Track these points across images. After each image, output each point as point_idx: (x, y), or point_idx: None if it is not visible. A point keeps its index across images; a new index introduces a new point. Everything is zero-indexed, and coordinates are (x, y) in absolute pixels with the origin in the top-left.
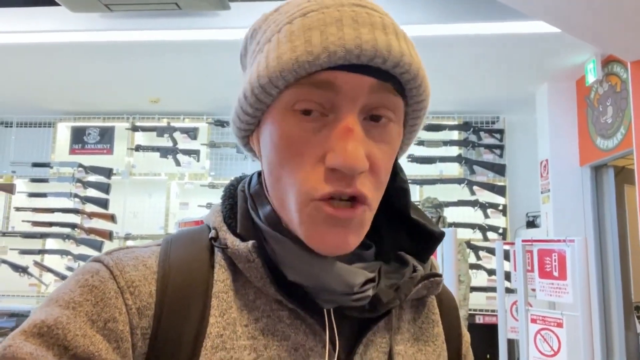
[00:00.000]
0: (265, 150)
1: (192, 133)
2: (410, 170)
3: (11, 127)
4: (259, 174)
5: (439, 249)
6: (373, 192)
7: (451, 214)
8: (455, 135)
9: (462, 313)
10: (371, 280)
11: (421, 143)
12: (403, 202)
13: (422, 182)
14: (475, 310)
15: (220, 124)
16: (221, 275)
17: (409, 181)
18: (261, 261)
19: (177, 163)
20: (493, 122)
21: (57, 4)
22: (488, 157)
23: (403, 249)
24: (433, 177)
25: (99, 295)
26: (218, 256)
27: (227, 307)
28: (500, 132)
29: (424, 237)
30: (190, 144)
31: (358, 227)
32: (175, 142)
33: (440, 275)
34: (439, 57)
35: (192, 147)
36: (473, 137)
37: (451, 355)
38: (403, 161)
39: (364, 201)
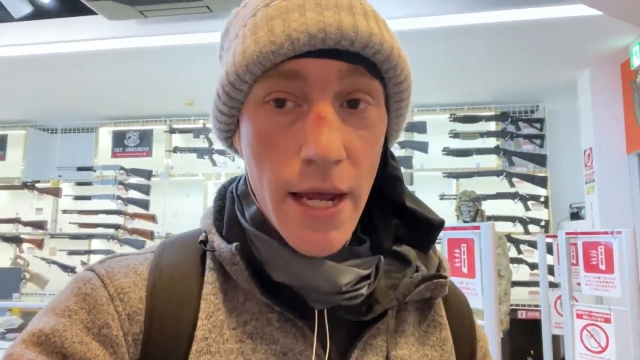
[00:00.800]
0: (244, 148)
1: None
2: (445, 163)
3: (56, 133)
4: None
5: (476, 243)
6: (354, 182)
7: (490, 207)
8: (492, 126)
9: (504, 308)
10: (366, 277)
11: (456, 135)
12: (397, 191)
13: (459, 175)
14: (517, 305)
15: None
16: (210, 278)
17: (444, 174)
18: (245, 264)
19: (214, 163)
20: (532, 111)
21: (94, 13)
22: (528, 147)
23: (401, 241)
24: (470, 170)
25: (92, 302)
26: (208, 259)
27: (214, 309)
28: (540, 121)
29: (422, 227)
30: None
31: (342, 224)
32: (210, 142)
33: (445, 277)
34: (472, 47)
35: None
36: (511, 128)
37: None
38: (438, 154)
39: (345, 197)
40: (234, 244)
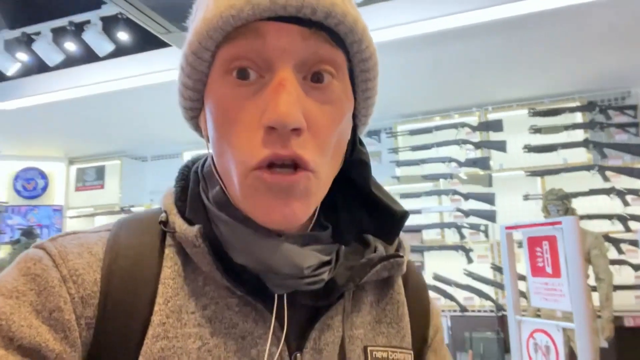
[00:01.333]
0: (208, 125)
1: None
2: (527, 161)
3: (146, 161)
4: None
5: (560, 245)
6: (316, 157)
7: (582, 205)
8: (578, 117)
9: (606, 315)
10: (327, 263)
11: (538, 131)
12: (363, 176)
13: (544, 172)
14: (622, 311)
15: None
16: (169, 261)
17: (527, 173)
18: (207, 246)
19: None
20: (623, 98)
21: (168, 45)
22: (621, 137)
23: (363, 230)
24: (556, 167)
25: (42, 284)
26: (169, 240)
27: (173, 293)
28: (633, 107)
29: (386, 218)
30: None
31: (304, 195)
32: None
33: (401, 256)
34: (546, 33)
35: None
36: (600, 118)
37: (417, 336)
38: (518, 152)
39: (305, 166)
40: (197, 226)
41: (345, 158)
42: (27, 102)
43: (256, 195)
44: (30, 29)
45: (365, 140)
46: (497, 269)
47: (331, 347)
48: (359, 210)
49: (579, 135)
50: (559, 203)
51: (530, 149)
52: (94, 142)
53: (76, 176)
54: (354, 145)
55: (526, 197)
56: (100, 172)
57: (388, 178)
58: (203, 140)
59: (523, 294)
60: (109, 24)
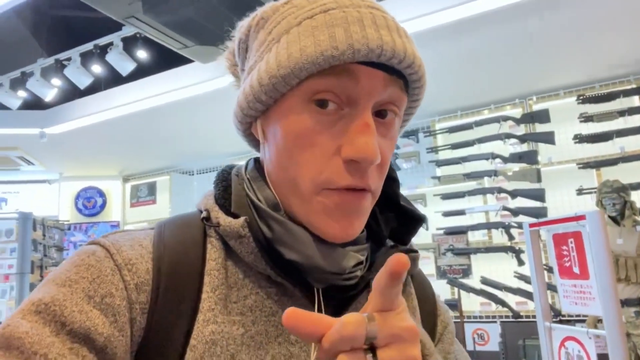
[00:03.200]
0: (274, 138)
1: None
2: (579, 152)
3: (192, 175)
4: (256, 160)
5: (586, 242)
6: (378, 184)
7: None
8: (635, 101)
9: None
10: (360, 262)
11: (589, 119)
12: (394, 190)
13: (599, 164)
14: None
15: None
16: (213, 254)
17: (579, 165)
18: (252, 236)
19: None
20: None
21: (190, 61)
22: None
23: (393, 233)
24: (612, 157)
25: (95, 272)
26: (210, 236)
27: (218, 283)
28: None
29: (409, 222)
30: None
31: (363, 213)
32: None
33: (416, 252)
34: (598, 9)
35: None
36: None
37: (426, 330)
38: (568, 144)
39: (369, 190)
40: (243, 217)
41: None
42: (76, 124)
43: (325, 212)
44: (62, 55)
45: (402, 141)
46: (551, 270)
47: None
48: (390, 215)
49: (637, 120)
50: (615, 196)
51: (581, 139)
52: (144, 159)
53: (130, 193)
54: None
55: (580, 192)
56: (152, 188)
57: (428, 179)
58: (243, 153)
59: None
60: (129, 44)
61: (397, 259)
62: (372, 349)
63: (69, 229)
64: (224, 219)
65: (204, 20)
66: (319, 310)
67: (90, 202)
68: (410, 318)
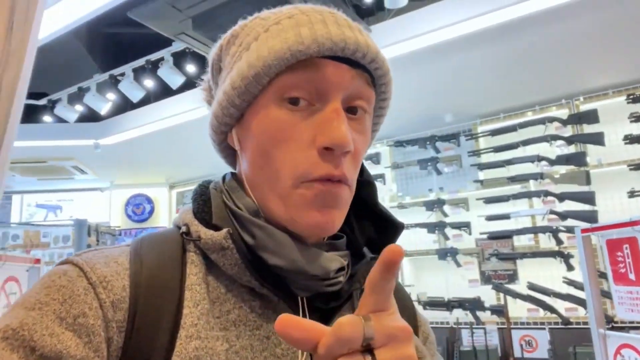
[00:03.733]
0: (250, 140)
1: (375, 158)
2: (631, 153)
3: None
4: (232, 173)
5: None
6: (353, 175)
7: None
8: None
9: None
10: (342, 268)
11: (639, 119)
12: (371, 194)
13: None
14: None
15: (401, 144)
16: (194, 269)
17: (630, 167)
18: (236, 247)
19: None
20: None
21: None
22: None
23: (370, 240)
24: None
25: (67, 293)
26: (190, 251)
27: (200, 298)
28: None
29: (387, 229)
30: (375, 168)
31: (343, 206)
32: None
33: None
34: None
35: (377, 171)
36: None
37: None
38: (618, 145)
39: (346, 182)
40: (225, 229)
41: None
42: (127, 135)
43: (304, 205)
44: (116, 71)
45: (443, 144)
46: (603, 275)
47: None
48: (366, 222)
49: None
50: None
51: (632, 139)
52: (189, 167)
53: (177, 199)
54: (362, 168)
55: (632, 194)
56: None
57: (470, 182)
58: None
59: None
60: (179, 59)
61: (391, 249)
62: (369, 350)
63: (120, 234)
64: (204, 232)
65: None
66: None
67: (139, 209)
68: (402, 318)
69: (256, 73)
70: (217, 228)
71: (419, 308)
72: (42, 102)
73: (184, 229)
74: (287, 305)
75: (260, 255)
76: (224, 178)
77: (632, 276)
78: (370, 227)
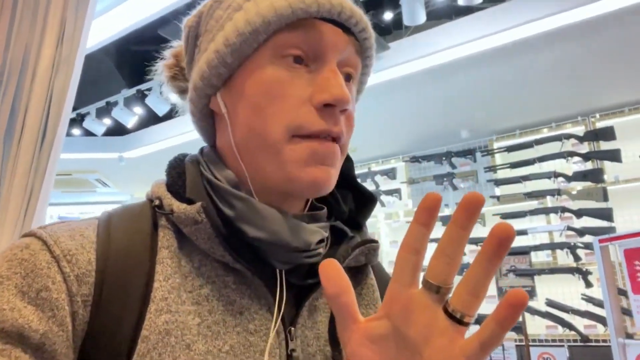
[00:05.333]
0: (241, 101)
1: (391, 174)
2: None
3: None
4: (211, 146)
5: None
6: (346, 138)
7: None
8: None
9: None
10: (322, 240)
11: None
12: (350, 167)
13: None
14: None
15: (416, 160)
16: (165, 242)
17: None
18: (210, 222)
19: (382, 204)
20: None
21: None
22: None
23: (350, 212)
24: None
25: (29, 267)
26: (162, 224)
27: (171, 272)
28: None
29: (364, 202)
30: (391, 183)
31: (336, 164)
32: (377, 185)
33: (376, 242)
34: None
35: (393, 186)
36: None
37: None
38: (636, 161)
39: (339, 141)
40: (199, 203)
41: None
42: (150, 149)
43: (300, 160)
44: (143, 86)
45: (459, 160)
46: (622, 292)
47: (319, 325)
48: (348, 193)
49: None
50: None
51: None
52: None
53: None
54: None
55: None
56: None
57: (486, 198)
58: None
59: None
60: None
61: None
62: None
63: None
64: (177, 206)
65: None
66: (280, 295)
67: None
68: None
69: (254, 29)
70: (190, 202)
71: None
72: (72, 115)
73: (156, 202)
74: (262, 280)
75: (240, 227)
76: (201, 150)
77: None
78: (351, 200)
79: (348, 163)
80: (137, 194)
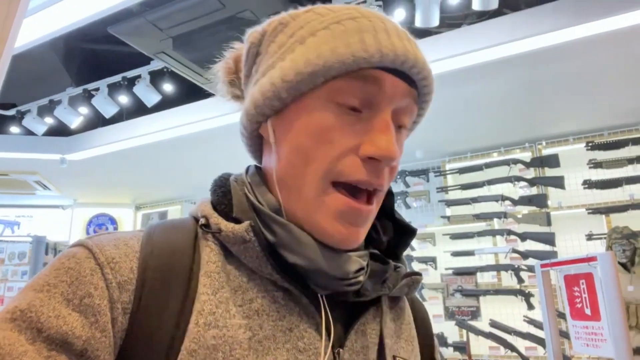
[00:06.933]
0: (289, 136)
1: None
2: (589, 198)
3: None
4: (255, 167)
5: (597, 283)
6: (387, 185)
7: None
8: None
9: None
10: (362, 267)
11: (598, 165)
12: (390, 202)
13: (608, 210)
14: None
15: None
16: (213, 258)
17: (589, 211)
18: (257, 241)
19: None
20: None
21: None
22: None
23: (389, 242)
24: (622, 203)
25: (74, 275)
26: (207, 241)
27: (219, 286)
28: None
29: (403, 233)
30: None
31: (369, 222)
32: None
33: (420, 274)
34: (607, 57)
35: None
36: None
37: (423, 357)
38: (578, 189)
39: (378, 195)
40: (247, 222)
41: None
42: (96, 152)
43: (331, 214)
44: (90, 86)
45: (412, 179)
46: (562, 315)
47: (366, 350)
48: (389, 224)
49: None
50: (625, 242)
51: (590, 184)
52: (158, 188)
53: (142, 221)
54: None
55: (590, 237)
56: (163, 217)
57: (437, 218)
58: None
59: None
60: (156, 78)
61: None
62: None
63: None
64: (225, 225)
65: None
66: (326, 318)
67: (102, 229)
68: None
69: (313, 71)
70: (237, 221)
71: None
72: (11, 112)
73: (202, 220)
74: (310, 300)
75: (280, 252)
76: (247, 171)
77: (588, 311)
78: (391, 229)
79: (390, 197)
80: (81, 199)
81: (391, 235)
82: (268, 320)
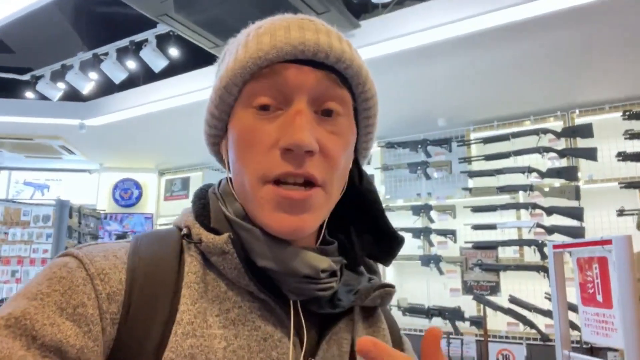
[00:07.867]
0: (230, 149)
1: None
2: (623, 171)
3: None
4: (227, 178)
5: (611, 269)
6: (326, 175)
7: None
8: None
9: None
10: (334, 274)
11: (634, 136)
12: (371, 200)
13: None
14: None
15: (392, 146)
16: (193, 268)
17: (621, 185)
18: (236, 252)
19: None
20: None
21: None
22: None
23: (370, 252)
24: None
25: (67, 284)
26: (190, 251)
27: (198, 297)
28: None
29: (388, 241)
30: (365, 169)
31: (313, 209)
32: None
33: (393, 287)
34: None
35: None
36: None
37: None
38: (611, 161)
39: (316, 182)
40: (226, 234)
41: (356, 187)
42: (114, 117)
43: (269, 207)
44: (100, 50)
45: (434, 149)
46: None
47: (338, 358)
48: (367, 236)
49: None
50: None
51: (625, 157)
52: (180, 154)
53: (165, 187)
54: (361, 176)
55: (621, 213)
56: (185, 183)
57: (458, 190)
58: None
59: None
60: (163, 41)
61: (432, 332)
62: None
63: (105, 218)
64: (205, 236)
65: (234, 20)
66: (298, 325)
67: (127, 194)
68: None
69: (225, 85)
70: (215, 232)
71: (398, 314)
72: (26, 77)
73: (185, 230)
74: (283, 310)
75: (253, 258)
76: (220, 183)
77: (599, 298)
78: (372, 244)
79: (371, 198)
80: (107, 164)
81: (375, 249)
82: (244, 329)
